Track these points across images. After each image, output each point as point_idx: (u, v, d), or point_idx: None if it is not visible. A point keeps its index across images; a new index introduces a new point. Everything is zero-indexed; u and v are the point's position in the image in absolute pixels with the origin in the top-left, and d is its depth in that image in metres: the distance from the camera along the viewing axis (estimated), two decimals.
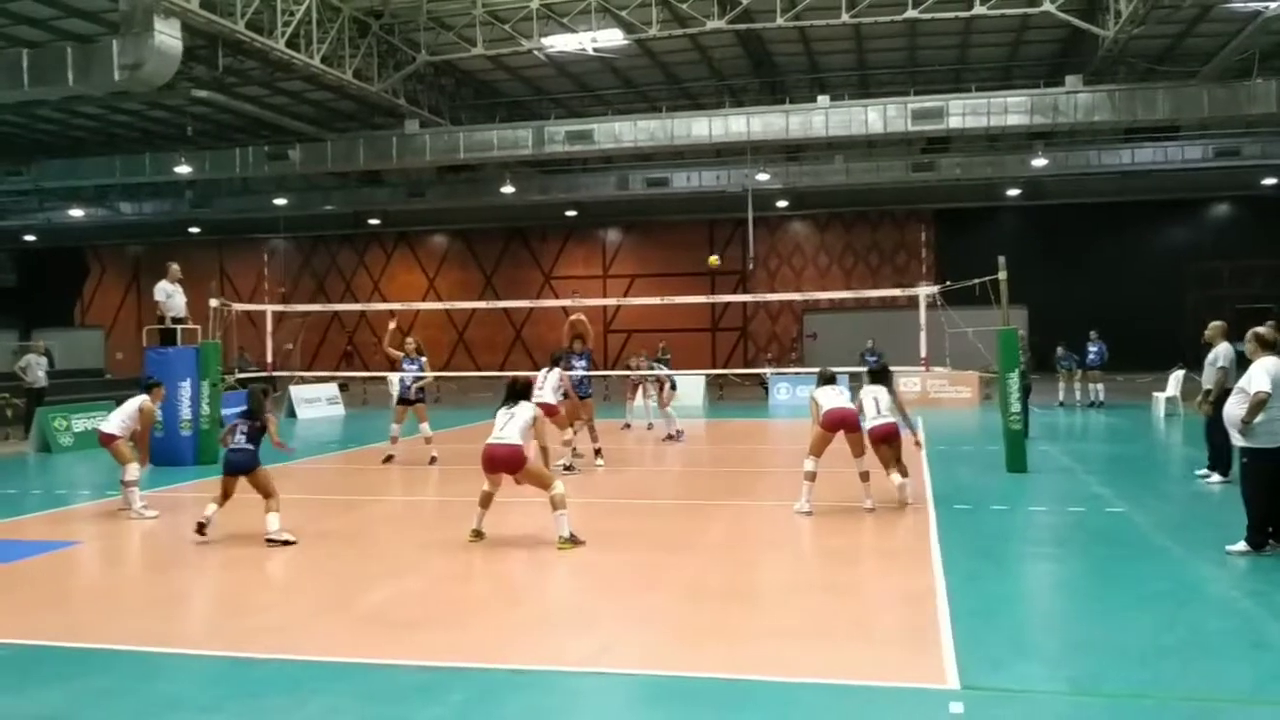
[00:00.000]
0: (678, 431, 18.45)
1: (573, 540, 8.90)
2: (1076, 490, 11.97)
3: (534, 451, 10.13)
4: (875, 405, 10.71)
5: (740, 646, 6.18)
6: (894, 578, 7.85)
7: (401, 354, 15.66)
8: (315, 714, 5.20)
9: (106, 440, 11.19)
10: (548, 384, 13.57)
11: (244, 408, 9.97)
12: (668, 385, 19.37)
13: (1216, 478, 12.03)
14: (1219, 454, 11.85)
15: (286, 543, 9.20)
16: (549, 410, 12.83)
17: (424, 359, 16.06)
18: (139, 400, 11.30)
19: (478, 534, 9.30)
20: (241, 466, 9.42)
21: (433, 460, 15.10)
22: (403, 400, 15.65)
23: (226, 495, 9.51)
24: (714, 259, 16.68)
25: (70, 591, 8.27)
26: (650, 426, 19.87)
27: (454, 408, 25.73)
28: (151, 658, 6.11)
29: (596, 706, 5.40)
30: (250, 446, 9.45)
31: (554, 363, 14.15)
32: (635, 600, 7.36)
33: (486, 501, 9.33)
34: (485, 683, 5.62)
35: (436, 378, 19.95)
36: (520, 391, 9.62)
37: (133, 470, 10.98)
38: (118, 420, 11.18)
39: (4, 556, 9.10)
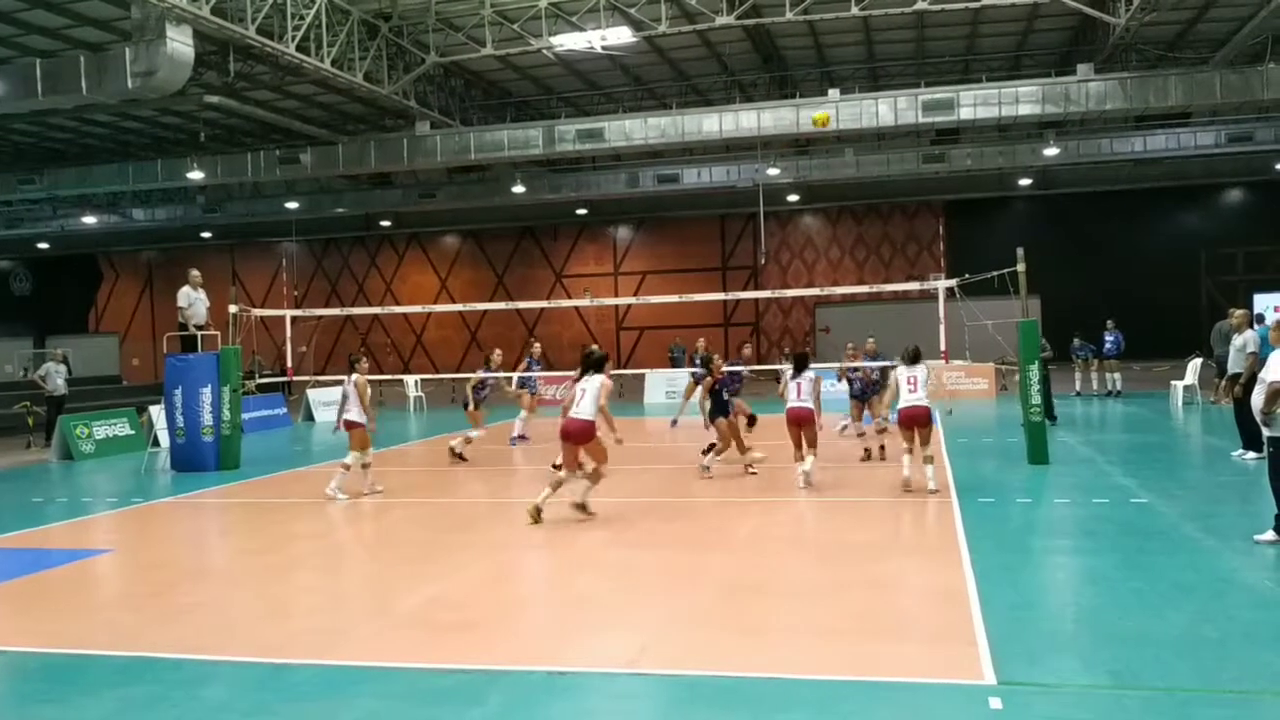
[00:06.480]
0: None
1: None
2: (1100, 481, 11.95)
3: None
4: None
5: (779, 645, 6.20)
6: (925, 573, 7.85)
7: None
8: (356, 718, 5.25)
9: None
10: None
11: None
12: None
13: (1252, 455, 12.22)
14: (1252, 436, 11.95)
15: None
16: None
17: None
18: None
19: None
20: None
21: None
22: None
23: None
24: (822, 115, 14.32)
25: (108, 599, 8.32)
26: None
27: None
28: (193, 664, 6.14)
29: (636, 708, 5.40)
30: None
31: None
32: (672, 599, 7.38)
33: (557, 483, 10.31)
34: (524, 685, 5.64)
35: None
36: (595, 364, 10.44)
37: None
38: None
39: (38, 565, 9.18)
